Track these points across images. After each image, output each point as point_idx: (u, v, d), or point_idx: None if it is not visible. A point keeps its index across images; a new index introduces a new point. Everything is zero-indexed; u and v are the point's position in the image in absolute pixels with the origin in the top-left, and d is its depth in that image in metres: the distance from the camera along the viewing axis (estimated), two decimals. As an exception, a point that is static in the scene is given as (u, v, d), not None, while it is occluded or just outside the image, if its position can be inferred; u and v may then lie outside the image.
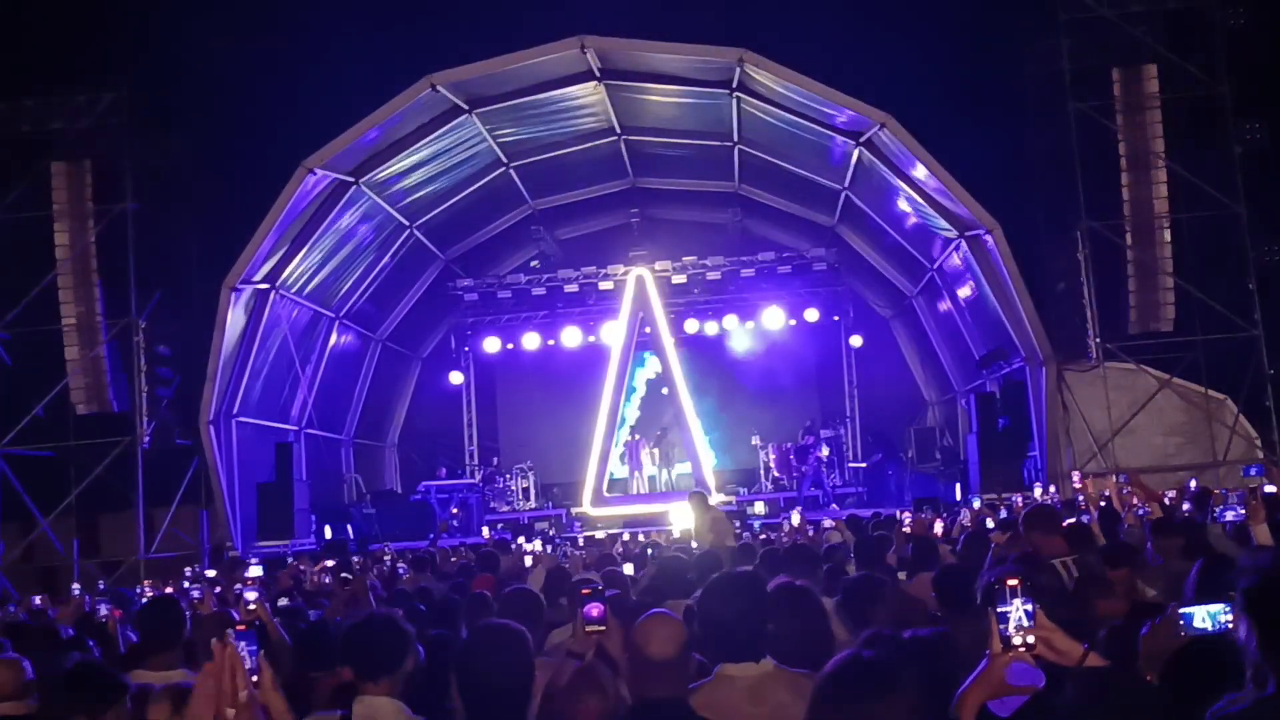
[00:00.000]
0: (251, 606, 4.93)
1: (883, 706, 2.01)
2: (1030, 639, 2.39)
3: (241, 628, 3.04)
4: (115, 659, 5.02)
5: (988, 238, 15.90)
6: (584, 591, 3.86)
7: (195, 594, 6.11)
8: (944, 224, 16.78)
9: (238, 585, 8.14)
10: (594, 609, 3.78)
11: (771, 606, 3.55)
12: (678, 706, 3.15)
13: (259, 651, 3.02)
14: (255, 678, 2.96)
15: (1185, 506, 9.04)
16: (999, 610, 2.40)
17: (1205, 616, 2.68)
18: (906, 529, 8.80)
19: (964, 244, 16.73)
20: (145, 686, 3.51)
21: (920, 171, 15.84)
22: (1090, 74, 16.39)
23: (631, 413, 22.16)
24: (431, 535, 16.84)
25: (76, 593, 8.27)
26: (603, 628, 3.79)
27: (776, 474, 20.43)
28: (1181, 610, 2.71)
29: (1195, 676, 2.58)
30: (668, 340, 20.21)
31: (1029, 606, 2.42)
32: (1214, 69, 16.10)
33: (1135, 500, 9.31)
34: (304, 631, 5.22)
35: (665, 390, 20.86)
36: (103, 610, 5.95)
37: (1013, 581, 2.44)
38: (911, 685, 2.09)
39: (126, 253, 17.07)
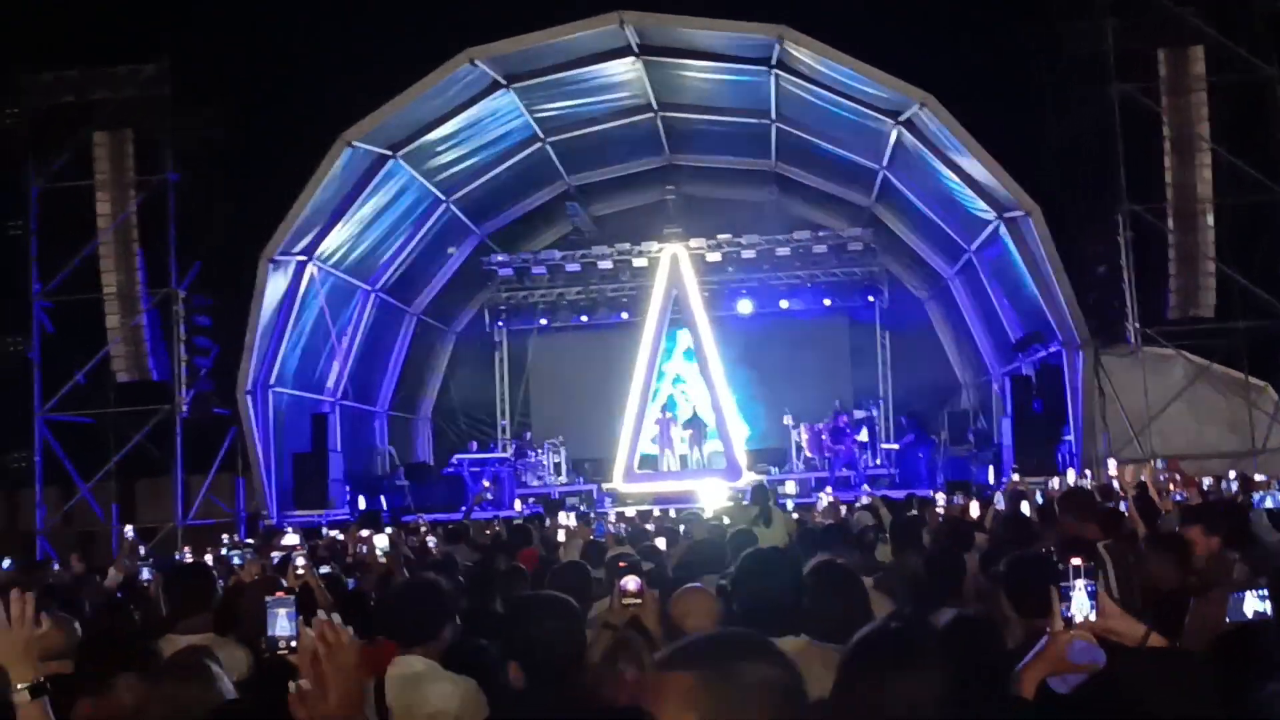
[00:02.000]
0: (300, 572, 5.00)
1: (909, 678, 2.00)
2: (1092, 617, 2.42)
3: (281, 594, 3.09)
4: (156, 622, 5.11)
5: (1027, 220, 15.74)
6: (620, 565, 3.90)
7: (236, 561, 6.21)
8: (982, 205, 16.63)
9: (274, 554, 8.25)
10: (630, 582, 3.82)
11: (813, 584, 3.56)
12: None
13: (299, 618, 3.07)
14: (295, 643, 3.01)
15: (1226, 491, 8.97)
16: (1061, 586, 2.44)
17: (1254, 601, 2.68)
18: (940, 510, 8.77)
19: (1002, 226, 16.58)
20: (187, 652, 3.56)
21: (959, 153, 15.70)
22: (1134, 55, 16.16)
23: (666, 390, 22.13)
24: (465, 507, 16.97)
25: (133, 543, 8.38)
26: (639, 600, 3.83)
27: (808, 454, 20.38)
28: (1232, 595, 2.71)
29: (1242, 660, 2.58)
30: (701, 318, 20.17)
31: (1091, 586, 2.44)
32: (1262, 51, 15.82)
33: (1172, 487, 9.25)
34: (345, 598, 5.30)
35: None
36: (145, 575, 6.05)
37: (1076, 561, 2.47)
38: (940, 660, 2.09)
39: (167, 223, 17.28)
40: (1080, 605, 2.44)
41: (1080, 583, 2.45)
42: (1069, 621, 2.44)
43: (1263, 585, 2.81)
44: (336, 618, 2.55)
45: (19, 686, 2.74)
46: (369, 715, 2.59)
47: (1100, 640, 2.45)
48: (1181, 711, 2.38)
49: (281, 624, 2.83)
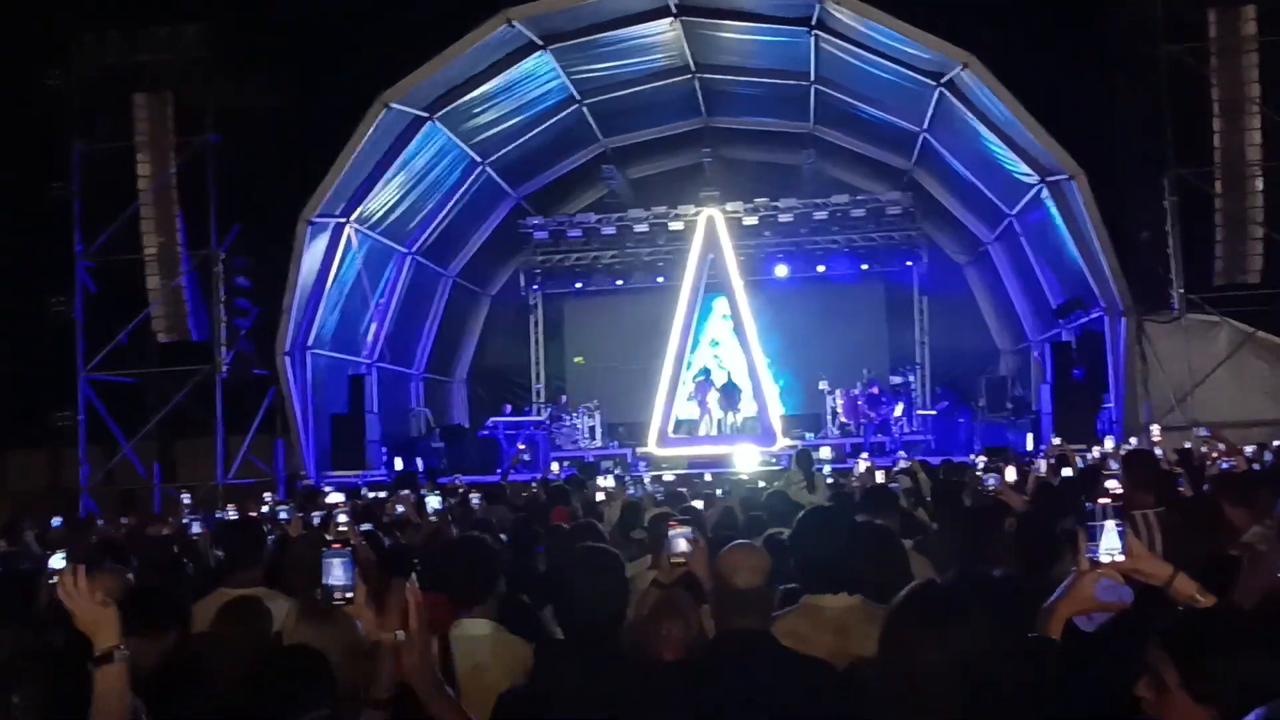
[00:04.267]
0: (343, 529, 5.06)
1: (953, 635, 2.02)
2: (1119, 557, 2.42)
3: (337, 546, 3.12)
4: (206, 575, 5.19)
5: (1071, 184, 15.51)
6: (670, 524, 3.90)
7: (283, 516, 6.29)
8: (1025, 169, 16.40)
9: (315, 512, 8.33)
10: (680, 540, 3.82)
11: (858, 545, 3.56)
12: (761, 636, 3.18)
13: (354, 569, 3.10)
14: (350, 595, 3.04)
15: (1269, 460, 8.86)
16: (1089, 526, 2.44)
17: None
18: (981, 475, 8.71)
19: (1045, 190, 16.36)
20: (245, 598, 3.62)
21: (1002, 115, 15.47)
22: (1184, 16, 15.81)
23: (701, 354, 22.08)
24: (501, 469, 17.07)
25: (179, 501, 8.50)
26: (685, 561, 3.83)
27: (844, 419, 20.31)
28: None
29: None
30: (737, 282, 20.07)
31: (1119, 526, 2.45)
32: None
33: (1215, 454, 9.15)
34: (386, 552, 5.35)
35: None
36: (195, 528, 6.14)
37: (1104, 500, 2.48)
38: (985, 618, 2.10)
39: (207, 184, 17.37)
40: (1108, 545, 2.45)
41: (1109, 523, 2.45)
42: (1095, 561, 2.44)
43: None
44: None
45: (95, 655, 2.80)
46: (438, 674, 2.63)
47: (1127, 580, 2.47)
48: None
49: (337, 574, 2.86)
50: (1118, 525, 2.46)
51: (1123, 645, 2.43)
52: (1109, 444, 12.57)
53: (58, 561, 4.54)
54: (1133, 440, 12.58)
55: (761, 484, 11.05)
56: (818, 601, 3.34)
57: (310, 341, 17.49)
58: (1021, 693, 1.99)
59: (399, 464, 18.24)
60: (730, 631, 3.23)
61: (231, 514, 8.56)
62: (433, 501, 7.20)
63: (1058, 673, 2.24)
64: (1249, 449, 9.93)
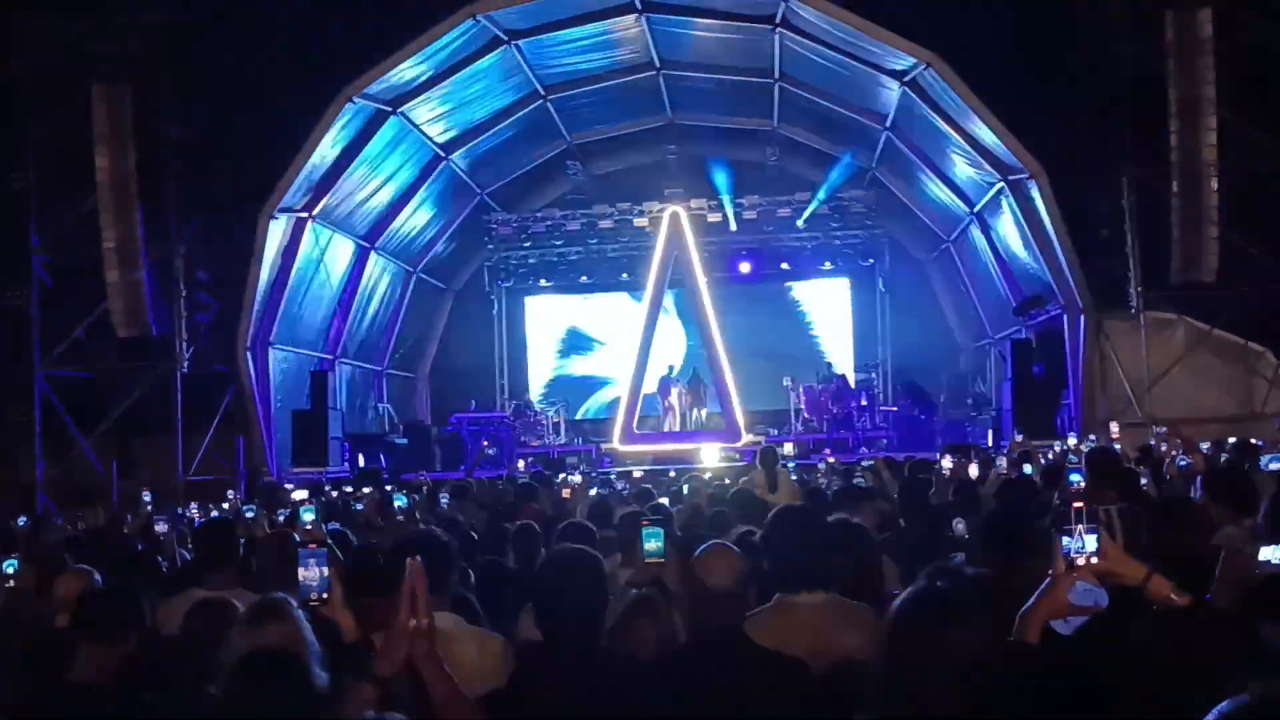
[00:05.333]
0: (309, 527, 5.02)
1: (958, 635, 2.06)
2: (1094, 559, 2.45)
3: (313, 546, 3.10)
4: (175, 573, 5.13)
5: (1031, 182, 15.69)
6: (644, 523, 3.92)
7: (249, 515, 6.22)
8: (986, 168, 16.57)
9: (279, 510, 8.27)
10: (653, 542, 3.83)
11: (832, 543, 3.59)
12: (736, 634, 3.20)
13: (329, 570, 3.08)
14: (325, 595, 3.02)
15: (1224, 457, 9.00)
16: (1064, 529, 2.47)
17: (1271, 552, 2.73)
18: (947, 472, 8.81)
19: (1006, 188, 16.53)
20: (219, 600, 3.58)
21: (964, 114, 15.60)
22: (1143, 18, 16.01)
23: (665, 351, 22.10)
24: (465, 466, 17.01)
25: (148, 507, 8.41)
26: (662, 560, 3.85)
27: (807, 416, 20.42)
28: (1263, 547, 2.75)
29: (1270, 610, 2.61)
30: (700, 279, 20.11)
31: (1093, 529, 2.49)
32: (1273, 14, 15.67)
33: (1174, 452, 9.29)
34: (355, 553, 5.31)
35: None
36: (161, 527, 6.07)
37: (1078, 504, 2.51)
38: (985, 616, 2.14)
39: (167, 177, 17.12)
40: (1082, 548, 2.48)
41: (1082, 526, 2.48)
42: (1071, 564, 2.46)
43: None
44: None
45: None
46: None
47: (1102, 582, 2.50)
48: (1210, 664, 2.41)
49: (312, 574, 2.84)
50: (1090, 528, 2.48)
51: (1099, 648, 2.47)
52: (1071, 440, 12.74)
53: (10, 566, 4.48)
54: (1091, 437, 12.73)
55: (727, 480, 11.08)
56: (793, 600, 3.36)
57: (272, 337, 17.31)
58: (1012, 695, 2.02)
59: (362, 461, 18.12)
60: (705, 630, 3.25)
61: (194, 512, 8.48)
62: (399, 500, 7.16)
63: (1036, 677, 2.27)
64: (1205, 445, 10.10)
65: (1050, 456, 9.64)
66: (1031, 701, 2.14)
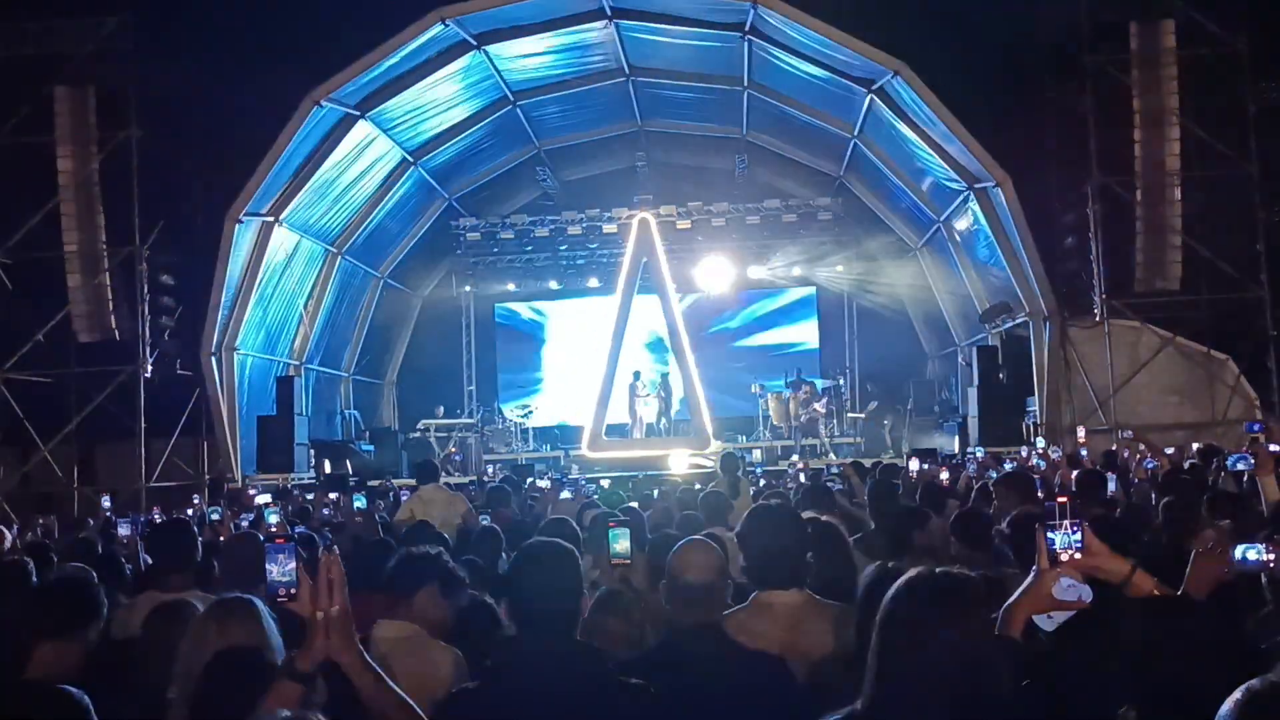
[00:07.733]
0: (274, 529, 4.95)
1: (956, 623, 2.05)
2: (1077, 555, 2.45)
3: (280, 540, 3.04)
4: (138, 577, 5.04)
5: (997, 190, 15.83)
6: (610, 524, 3.90)
7: (215, 517, 6.14)
8: (953, 176, 16.68)
9: (243, 514, 8.17)
10: (619, 543, 3.82)
11: (806, 541, 3.58)
12: (713, 631, 3.18)
13: (296, 566, 3.02)
14: (294, 591, 2.96)
15: (1188, 463, 9.08)
16: (1048, 525, 2.47)
17: (1252, 552, 2.74)
18: (913, 475, 8.85)
19: (973, 196, 16.66)
20: (179, 602, 3.52)
21: (931, 122, 15.71)
22: (1108, 28, 16.22)
23: (634, 358, 22.07)
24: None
25: (107, 509, 8.29)
26: (628, 561, 3.84)
27: (775, 422, 20.45)
28: (1237, 546, 2.76)
29: (1243, 607, 2.62)
30: (669, 285, 20.10)
31: (1077, 524, 2.48)
32: (1233, 26, 15.93)
33: (1139, 456, 9.37)
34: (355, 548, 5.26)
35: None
36: (124, 530, 5.98)
37: (1062, 500, 2.51)
38: (982, 605, 2.14)
39: (130, 180, 16.90)
40: (1066, 544, 2.47)
41: (1067, 522, 2.48)
42: (1055, 559, 2.46)
43: (1258, 540, 2.86)
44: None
45: None
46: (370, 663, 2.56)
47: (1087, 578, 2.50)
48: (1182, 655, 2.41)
49: (280, 569, 2.78)
50: (1075, 524, 2.48)
51: (1083, 643, 2.46)
52: (1040, 444, 12.84)
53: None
54: (1050, 446, 12.83)
55: (697, 486, 11.06)
56: (768, 598, 3.35)
57: (237, 342, 17.12)
58: (999, 692, 2.01)
59: (327, 466, 17.95)
60: (682, 626, 3.23)
61: (157, 516, 8.36)
62: (358, 501, 7.10)
63: (1020, 672, 2.26)
64: (1169, 450, 10.20)
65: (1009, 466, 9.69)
66: (1014, 696, 2.12)
